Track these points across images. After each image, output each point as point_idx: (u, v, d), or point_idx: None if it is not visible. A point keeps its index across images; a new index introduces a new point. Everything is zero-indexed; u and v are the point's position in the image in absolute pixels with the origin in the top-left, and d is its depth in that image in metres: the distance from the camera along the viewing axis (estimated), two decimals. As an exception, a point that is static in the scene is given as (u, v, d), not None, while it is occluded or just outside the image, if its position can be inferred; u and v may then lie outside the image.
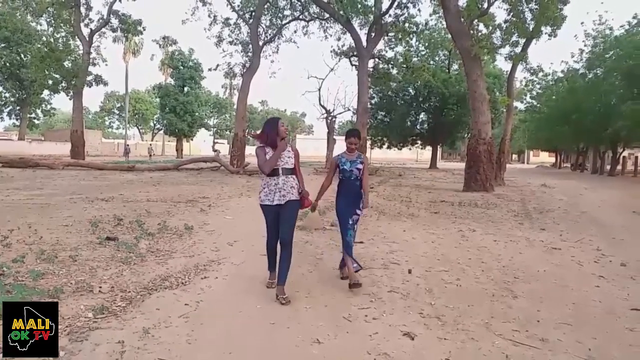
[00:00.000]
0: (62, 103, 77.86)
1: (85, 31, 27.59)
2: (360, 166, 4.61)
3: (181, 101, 46.95)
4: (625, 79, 24.53)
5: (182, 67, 47.14)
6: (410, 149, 44.37)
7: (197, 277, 4.66)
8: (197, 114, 49.47)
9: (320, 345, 3.19)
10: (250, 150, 36.65)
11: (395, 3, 22.39)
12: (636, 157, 30.91)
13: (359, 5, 21.37)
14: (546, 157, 66.63)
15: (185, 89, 48.00)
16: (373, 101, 35.69)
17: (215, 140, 58.79)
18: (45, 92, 30.54)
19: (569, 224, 8.95)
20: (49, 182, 13.78)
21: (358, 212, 4.65)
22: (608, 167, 32.56)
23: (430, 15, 27.88)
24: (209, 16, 26.25)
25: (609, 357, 3.09)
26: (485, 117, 15.17)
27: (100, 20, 28.11)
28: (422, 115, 38.14)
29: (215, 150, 41.52)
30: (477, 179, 15.03)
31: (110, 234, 6.25)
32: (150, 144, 48.08)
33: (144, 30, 30.68)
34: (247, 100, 25.29)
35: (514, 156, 75.83)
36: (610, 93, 26.81)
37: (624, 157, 33.21)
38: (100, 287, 4.07)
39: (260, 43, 25.31)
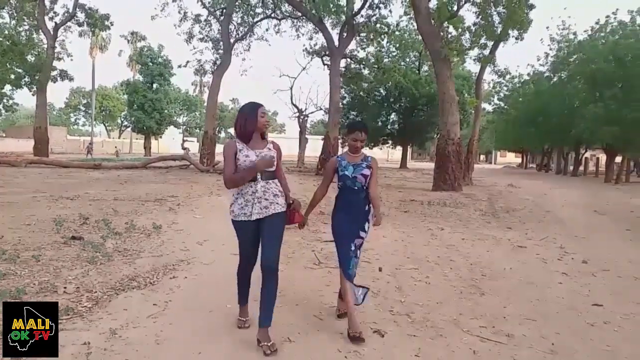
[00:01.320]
0: (24, 99, 75.10)
1: (50, 25, 26.73)
2: (366, 172, 3.44)
3: (150, 98, 46.05)
4: (587, 83, 25.38)
5: (151, 64, 46.25)
6: (381, 148, 44.76)
7: (166, 277, 4.58)
8: (166, 111, 48.65)
9: (291, 343, 3.19)
10: (220, 148, 36.26)
11: (367, 4, 22.50)
12: (597, 158, 32.07)
13: (331, 5, 21.40)
14: (513, 158, 68.27)
15: (154, 85, 47.09)
16: (345, 101, 35.86)
17: (185, 138, 57.97)
18: (7, 87, 29.34)
19: (534, 223, 9.20)
20: (11, 180, 13.30)
21: (363, 234, 3.47)
22: (571, 167, 33.66)
23: (401, 16, 28.25)
24: (179, 12, 25.82)
25: (571, 351, 3.19)
26: (454, 118, 15.43)
27: (66, 14, 27.29)
28: (393, 116, 38.55)
29: (184, 149, 40.90)
30: (446, 179, 15.27)
31: (75, 233, 6.08)
32: (116, 147, 46.77)
33: (112, 25, 29.93)
34: (217, 98, 25.01)
35: (482, 157, 77.50)
36: (574, 96, 27.71)
37: (586, 158, 34.35)
38: (65, 288, 3.96)
39: (232, 40, 25.05)
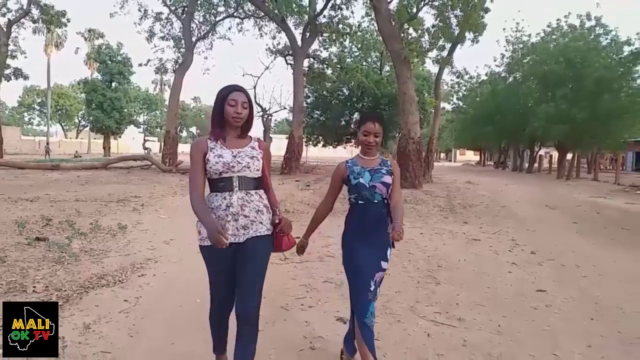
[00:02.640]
0: (-27, 97, 71.63)
1: (2, 21, 25.82)
2: (388, 179, 2.62)
3: (109, 97, 44.98)
4: (540, 83, 26.53)
5: (110, 62, 45.20)
6: (345, 147, 45.28)
7: (134, 275, 4.68)
8: (125, 110, 47.64)
9: (260, 332, 3.37)
10: (183, 148, 35.93)
11: (329, 4, 22.80)
12: (551, 156, 33.49)
13: (294, 5, 21.61)
14: (472, 156, 70.27)
15: (113, 84, 46.04)
16: (309, 100, 36.08)
17: (146, 138, 56.84)
18: (-44, 85, 28.12)
19: (489, 218, 9.68)
20: (-36, 182, 12.87)
21: (384, 265, 2.62)
22: (527, 164, 35.05)
23: (363, 17, 28.63)
24: (139, 10, 25.45)
25: (515, 331, 3.51)
26: (414, 117, 15.91)
27: (20, 10, 26.39)
28: (356, 115, 39.07)
29: (145, 148, 40.17)
30: (406, 177, 15.71)
31: (39, 234, 6.06)
32: (77, 151, 45.28)
33: (69, 22, 29.14)
34: (179, 97, 24.77)
35: (442, 155, 79.44)
36: (528, 96, 28.92)
37: (540, 155, 35.81)
38: (34, 287, 4.01)
39: (193, 39, 24.87)
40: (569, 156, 28.71)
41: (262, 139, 2.74)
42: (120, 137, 53.25)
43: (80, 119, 66.73)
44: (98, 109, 45.16)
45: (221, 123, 2.42)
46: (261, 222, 2.40)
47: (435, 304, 4.09)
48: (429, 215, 9.72)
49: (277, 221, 2.45)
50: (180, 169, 20.03)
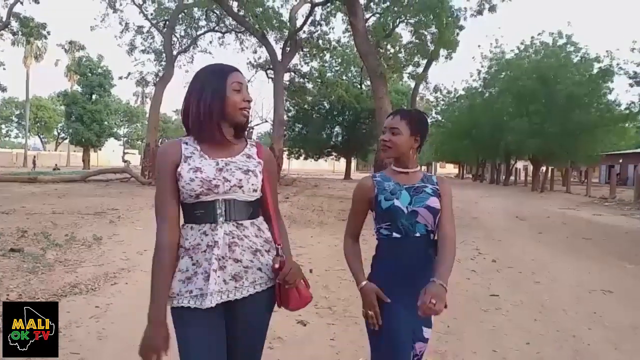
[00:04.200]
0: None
1: (-20, 33, 25.69)
2: (434, 202, 1.87)
3: (89, 109, 44.68)
4: (515, 99, 27.34)
5: (90, 74, 44.96)
6: (326, 160, 45.74)
7: (107, 284, 4.84)
8: (106, 123, 47.32)
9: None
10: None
11: (309, 20, 23.28)
12: (526, 168, 34.36)
13: (274, 21, 21.98)
14: (452, 169, 71.37)
15: (94, 96, 45.77)
16: (290, 114, 36.57)
17: (126, 151, 56.39)
18: None
19: (459, 228, 9.82)
20: (-61, 195, 12.79)
21: (427, 333, 1.92)
22: (504, 177, 35.86)
23: (343, 32, 29.26)
24: (120, 24, 25.62)
25: (462, 331, 3.78)
26: (391, 131, 16.29)
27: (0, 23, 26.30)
28: (337, 128, 39.69)
29: (125, 161, 39.88)
30: (384, 189, 16.05)
31: (14, 245, 6.16)
32: (56, 164, 44.72)
33: (49, 34, 29.05)
34: (159, 110, 24.88)
35: (424, 168, 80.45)
36: (503, 110, 29.71)
37: (516, 168, 36.70)
38: (8, 295, 4.16)
39: (174, 52, 25.09)
40: (544, 169, 29.51)
41: (261, 144, 1.79)
42: (100, 149, 52.76)
43: (59, 131, 66.03)
44: (78, 122, 44.82)
45: (212, 120, 1.57)
46: (260, 269, 1.61)
47: (392, 307, 4.35)
48: (401, 226, 10.02)
49: (276, 265, 1.60)
50: (159, 181, 20.03)
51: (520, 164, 41.28)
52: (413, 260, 1.83)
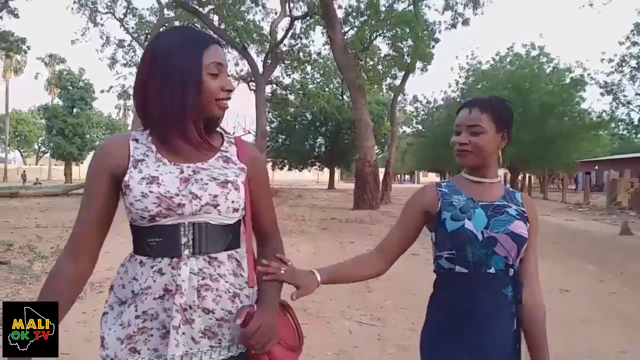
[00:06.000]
0: None
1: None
2: (520, 229, 1.40)
3: (70, 123, 44.58)
4: (491, 108, 28.03)
5: (71, 87, 44.95)
6: (309, 170, 46.09)
7: (93, 292, 5.07)
8: (87, 136, 47.25)
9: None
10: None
11: (289, 34, 23.72)
12: (505, 175, 35.13)
13: (255, 34, 22.38)
14: (434, 177, 72.23)
15: (75, 110, 45.72)
16: (273, 125, 36.93)
17: (109, 164, 56.03)
18: None
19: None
20: None
21: None
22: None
23: (324, 44, 29.75)
24: (101, 37, 25.80)
25: (425, 327, 4.10)
26: (370, 142, 16.73)
27: (-22, 37, 26.24)
28: (320, 139, 40.11)
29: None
30: (364, 198, 16.44)
31: (0, 258, 6.33)
32: (37, 178, 44.20)
33: (29, 49, 29.04)
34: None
35: (406, 176, 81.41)
36: (480, 120, 30.40)
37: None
38: (-4, 304, 4.36)
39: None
40: (521, 176, 30.24)
41: (245, 140, 1.41)
42: (82, 163, 52.45)
43: (40, 145, 65.38)
44: (59, 135, 44.64)
45: (183, 115, 1.14)
46: (230, 322, 1.18)
47: (363, 308, 4.66)
48: (380, 234, 10.33)
49: (238, 320, 1.13)
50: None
51: (500, 172, 42.12)
52: (484, 306, 1.37)
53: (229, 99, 1.21)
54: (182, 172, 1.16)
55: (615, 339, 3.95)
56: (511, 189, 1.55)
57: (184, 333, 1.11)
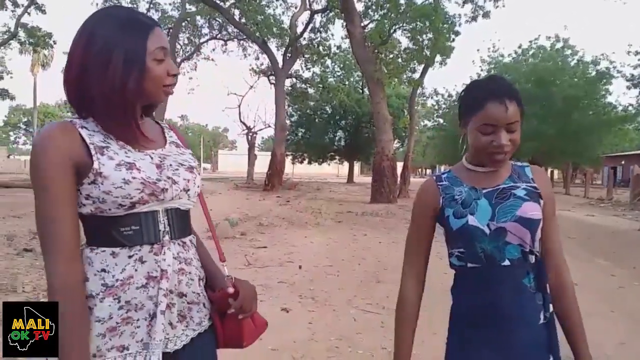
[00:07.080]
0: (-42, 117, 71.80)
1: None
2: (530, 211, 1.28)
3: (95, 116, 45.47)
4: (513, 102, 27.68)
5: (97, 81, 45.78)
6: (329, 164, 46.17)
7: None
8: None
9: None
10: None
11: (309, 27, 23.81)
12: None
13: (275, 29, 22.52)
14: (456, 171, 71.55)
15: (100, 103, 46.55)
16: (293, 119, 37.12)
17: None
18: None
19: (449, 228, 10.42)
20: (-47, 201, 13.37)
21: None
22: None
23: (343, 38, 29.73)
24: (125, 32, 26.22)
25: (428, 315, 4.20)
26: (388, 135, 16.75)
27: (7, 33, 27.05)
28: (340, 133, 40.10)
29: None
30: (382, 192, 16.50)
31: (27, 246, 6.66)
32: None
33: (55, 44, 29.78)
34: (164, 115, 25.47)
35: (428, 170, 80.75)
36: (502, 113, 30.05)
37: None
38: (24, 288, 4.64)
39: (178, 60, 25.68)
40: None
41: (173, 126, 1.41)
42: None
43: (67, 137, 66.93)
44: (85, 128, 45.57)
45: (125, 102, 1.10)
46: (204, 304, 1.25)
47: (370, 297, 4.79)
48: (394, 227, 10.44)
49: (230, 290, 1.23)
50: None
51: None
52: (503, 300, 1.29)
53: (175, 84, 1.18)
54: (151, 158, 1.15)
55: (617, 331, 4.00)
56: (519, 164, 1.41)
57: (166, 317, 1.12)
